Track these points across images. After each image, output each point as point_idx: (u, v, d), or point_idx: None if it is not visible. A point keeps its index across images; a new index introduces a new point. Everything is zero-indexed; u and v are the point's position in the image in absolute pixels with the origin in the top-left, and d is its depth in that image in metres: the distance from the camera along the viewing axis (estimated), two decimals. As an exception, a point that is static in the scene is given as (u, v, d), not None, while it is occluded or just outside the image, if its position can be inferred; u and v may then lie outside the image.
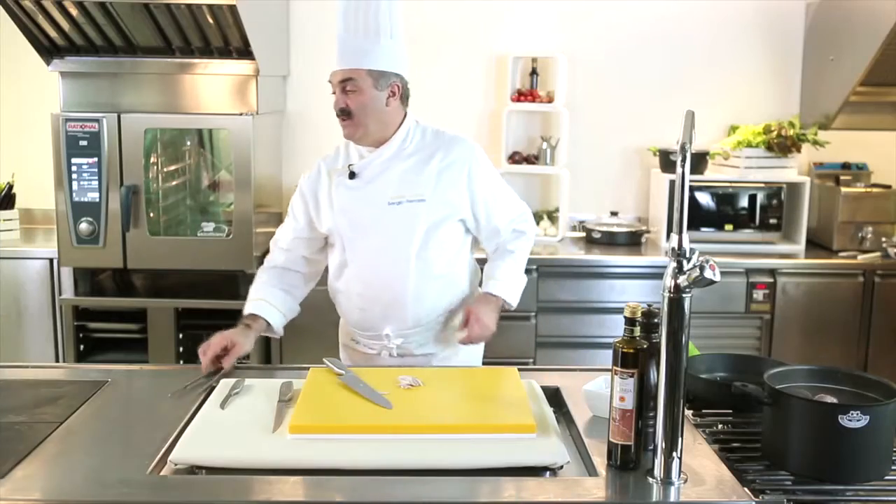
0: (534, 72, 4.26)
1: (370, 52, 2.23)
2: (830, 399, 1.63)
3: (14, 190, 4.14)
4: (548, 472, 1.59)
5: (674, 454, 1.50)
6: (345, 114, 2.25)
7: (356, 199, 2.31)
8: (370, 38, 2.22)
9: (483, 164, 2.36)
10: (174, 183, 3.96)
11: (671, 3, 4.29)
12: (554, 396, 1.94)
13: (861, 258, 3.91)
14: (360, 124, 2.26)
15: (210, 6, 3.41)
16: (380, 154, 2.31)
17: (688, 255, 1.48)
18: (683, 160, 1.46)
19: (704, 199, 4.02)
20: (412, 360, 2.35)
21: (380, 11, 2.22)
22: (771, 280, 3.84)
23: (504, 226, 2.40)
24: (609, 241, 4.09)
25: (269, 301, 2.34)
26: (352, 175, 2.31)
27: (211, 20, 3.51)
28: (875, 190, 4.08)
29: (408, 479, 1.53)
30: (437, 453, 1.61)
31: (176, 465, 1.59)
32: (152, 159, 3.78)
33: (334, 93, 2.27)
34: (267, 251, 2.47)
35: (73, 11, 3.48)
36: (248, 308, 2.33)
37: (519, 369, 2.04)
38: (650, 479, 1.52)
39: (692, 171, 1.49)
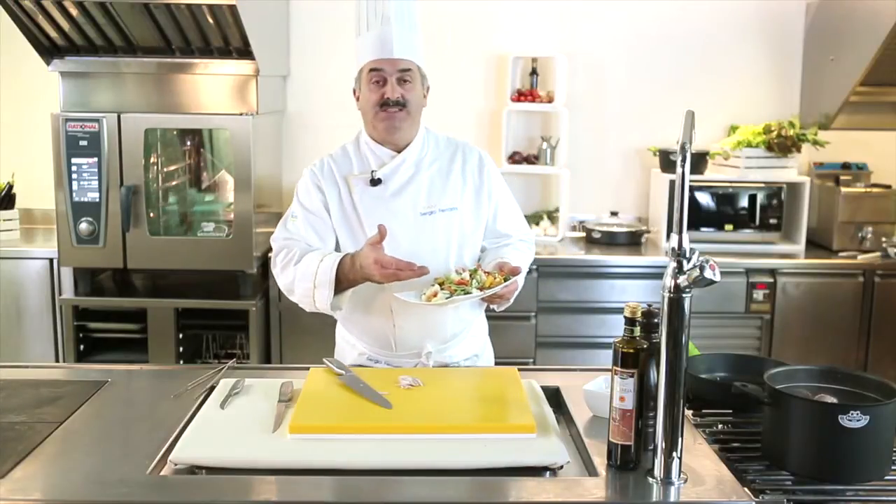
0: (534, 72, 4.26)
1: (417, 47, 2.15)
2: (830, 399, 1.63)
3: (14, 190, 4.14)
4: (548, 472, 1.58)
5: (674, 454, 1.50)
6: (399, 105, 2.11)
7: (384, 209, 2.15)
8: (413, 33, 2.14)
9: (495, 168, 2.32)
10: (174, 183, 3.96)
11: (671, 4, 4.29)
12: (554, 396, 1.94)
13: (861, 258, 3.91)
14: (412, 118, 2.15)
15: (210, 6, 3.41)
16: (403, 159, 2.18)
17: (688, 255, 1.48)
18: (683, 160, 1.46)
19: (704, 199, 4.02)
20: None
21: (414, 6, 2.15)
22: (771, 280, 3.84)
23: (512, 232, 2.31)
24: (609, 241, 4.09)
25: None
26: (375, 182, 2.16)
27: (211, 20, 3.51)
28: (875, 190, 4.08)
29: (408, 479, 1.53)
30: (437, 453, 1.61)
31: (176, 465, 1.59)
32: (152, 159, 3.78)
33: (378, 82, 2.11)
34: (267, 251, 2.44)
35: (73, 11, 3.48)
36: (330, 257, 2.08)
37: (519, 369, 2.03)
38: (650, 479, 1.52)
39: (692, 171, 1.49)
